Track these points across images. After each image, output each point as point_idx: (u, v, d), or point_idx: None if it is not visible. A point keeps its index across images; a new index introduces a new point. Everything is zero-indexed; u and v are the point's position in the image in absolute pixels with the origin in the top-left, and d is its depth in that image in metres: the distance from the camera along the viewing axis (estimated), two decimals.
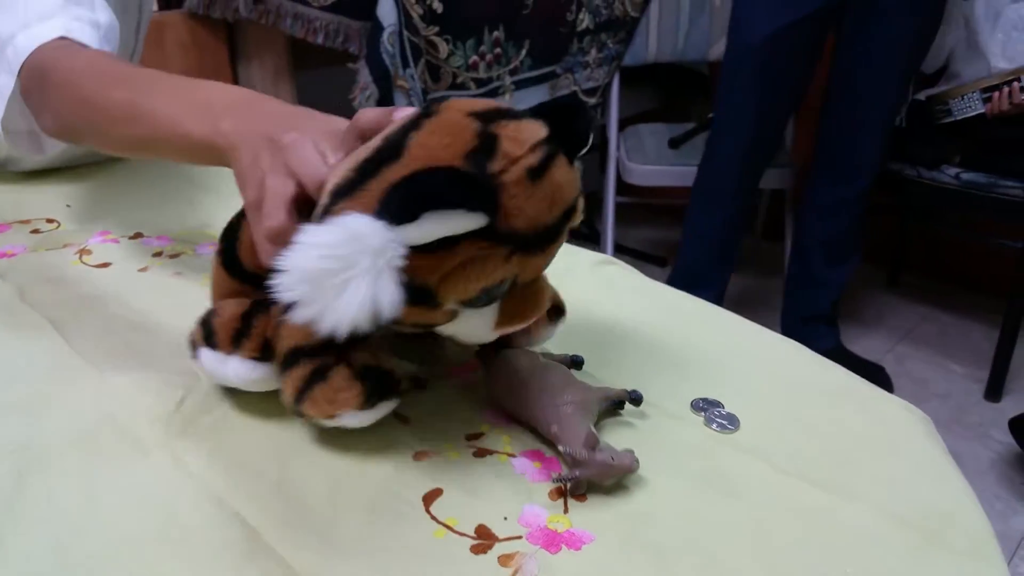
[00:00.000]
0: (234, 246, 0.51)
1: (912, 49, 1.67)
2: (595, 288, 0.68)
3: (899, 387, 1.88)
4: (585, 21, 1.85)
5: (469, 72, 1.57)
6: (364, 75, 1.36)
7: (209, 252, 0.73)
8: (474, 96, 1.61)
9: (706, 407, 0.52)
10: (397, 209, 0.36)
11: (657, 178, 2.02)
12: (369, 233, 0.36)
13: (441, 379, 0.55)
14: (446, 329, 0.45)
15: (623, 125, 2.18)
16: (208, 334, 0.49)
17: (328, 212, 0.40)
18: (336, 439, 0.48)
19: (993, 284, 2.22)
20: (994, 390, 1.85)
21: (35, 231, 0.77)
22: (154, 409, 0.51)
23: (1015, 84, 1.64)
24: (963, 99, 1.73)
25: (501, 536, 0.41)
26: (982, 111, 1.70)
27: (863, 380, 0.57)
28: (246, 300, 0.50)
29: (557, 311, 0.54)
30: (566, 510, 0.43)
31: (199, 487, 0.44)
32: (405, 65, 1.42)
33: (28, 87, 0.62)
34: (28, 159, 0.90)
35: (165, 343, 0.57)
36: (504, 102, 0.42)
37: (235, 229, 0.52)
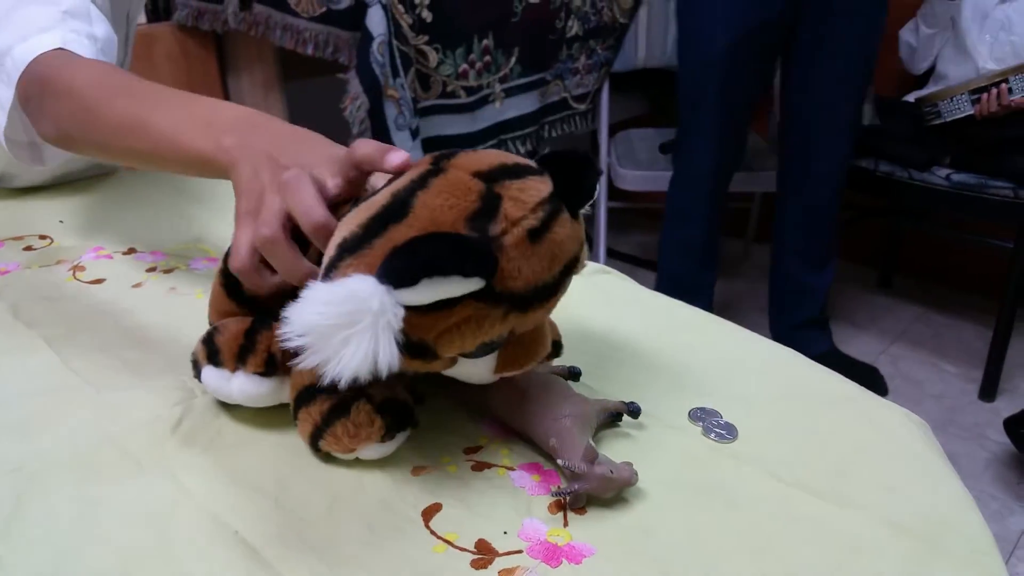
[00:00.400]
0: None
1: (863, 50, 1.68)
2: (590, 298, 0.68)
3: (894, 388, 1.88)
4: (574, 28, 1.85)
5: (459, 80, 1.57)
6: (354, 85, 1.36)
7: (203, 267, 0.73)
8: (464, 104, 1.61)
9: (704, 417, 0.52)
10: (397, 274, 0.37)
11: (648, 183, 2.02)
12: (370, 295, 0.37)
13: (439, 392, 0.55)
14: (447, 372, 0.45)
15: (613, 131, 2.19)
16: (212, 352, 0.49)
17: (335, 267, 0.41)
18: (333, 456, 0.48)
19: (985, 284, 2.23)
20: (988, 390, 1.86)
21: (28, 248, 0.77)
22: (151, 426, 0.50)
23: (1003, 86, 1.65)
24: (952, 101, 1.74)
25: (501, 551, 0.41)
26: (971, 112, 1.71)
27: (861, 387, 0.57)
28: (248, 318, 0.50)
29: (553, 347, 0.54)
30: (566, 523, 0.43)
31: (197, 504, 0.44)
32: (395, 75, 1.42)
33: (27, 95, 0.62)
34: (21, 175, 0.90)
35: (161, 359, 0.57)
36: (505, 157, 0.42)
37: None
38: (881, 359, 2.03)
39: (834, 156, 1.77)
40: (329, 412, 0.45)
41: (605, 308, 0.67)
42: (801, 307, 1.93)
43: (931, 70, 2.00)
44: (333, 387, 0.44)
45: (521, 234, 0.41)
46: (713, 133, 1.75)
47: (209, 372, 0.49)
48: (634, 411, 0.50)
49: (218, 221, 0.80)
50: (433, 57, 1.50)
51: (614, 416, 0.51)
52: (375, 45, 1.37)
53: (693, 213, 1.85)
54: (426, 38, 1.47)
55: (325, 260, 0.42)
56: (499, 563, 0.40)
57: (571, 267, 0.44)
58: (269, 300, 0.49)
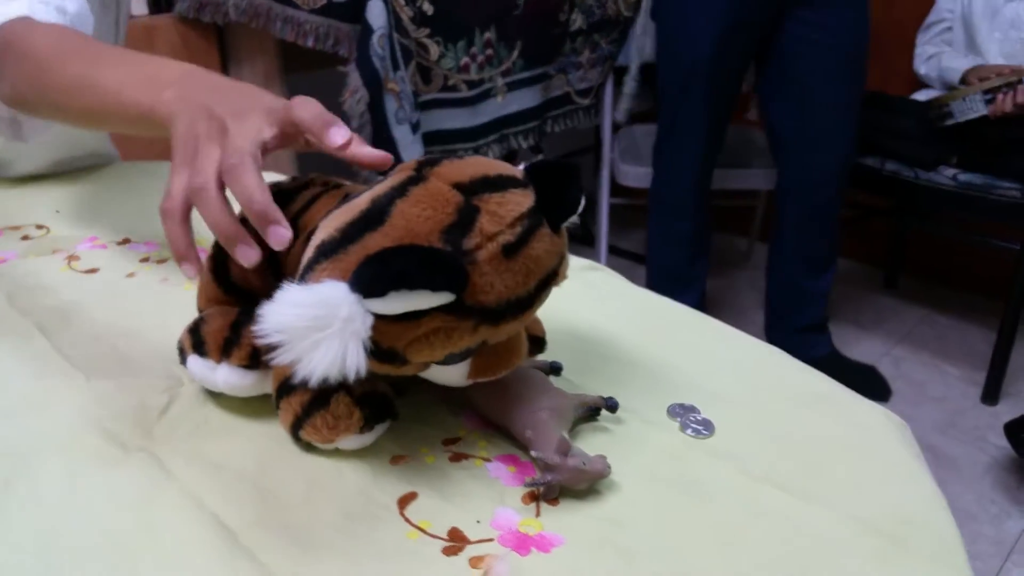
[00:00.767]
0: (225, 257, 0.52)
1: (853, 40, 1.68)
2: (579, 293, 0.69)
3: (896, 390, 1.88)
4: (578, 21, 1.86)
5: (460, 74, 1.58)
6: (354, 78, 1.37)
7: None
8: (465, 98, 1.62)
9: (682, 412, 0.53)
10: (366, 284, 0.38)
11: (649, 180, 2.03)
12: (340, 302, 0.38)
13: (420, 384, 0.55)
14: (421, 374, 0.46)
15: (617, 126, 2.19)
16: (198, 342, 0.50)
17: (311, 270, 0.42)
18: (314, 445, 0.49)
19: (991, 286, 2.22)
20: (991, 393, 1.86)
21: (25, 237, 0.78)
22: (138, 412, 0.51)
23: (1019, 87, 1.64)
24: (965, 101, 1.73)
25: (473, 538, 0.42)
26: (984, 113, 1.70)
27: (843, 386, 0.58)
28: (233, 309, 0.51)
29: (536, 344, 0.55)
30: (538, 514, 0.44)
31: (179, 488, 0.45)
32: (395, 68, 1.42)
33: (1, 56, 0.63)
34: (17, 163, 0.91)
35: (150, 348, 0.58)
36: (489, 167, 0.42)
37: None
38: (884, 361, 2.03)
39: (834, 155, 1.76)
40: (309, 403, 0.46)
41: (593, 304, 0.68)
42: (801, 312, 1.93)
43: None
44: None
45: (496, 249, 0.41)
46: (699, 128, 1.76)
47: (194, 361, 0.51)
48: (612, 406, 0.51)
49: None
50: (434, 50, 1.51)
51: (592, 410, 0.51)
52: (375, 38, 1.37)
53: (681, 207, 1.87)
54: (427, 31, 1.48)
55: (303, 261, 0.43)
56: (470, 550, 0.41)
57: (548, 281, 0.44)
58: (256, 289, 0.50)
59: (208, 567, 0.40)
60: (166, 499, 0.44)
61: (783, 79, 1.72)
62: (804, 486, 0.47)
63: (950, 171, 1.81)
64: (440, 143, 1.64)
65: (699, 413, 0.53)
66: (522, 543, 0.42)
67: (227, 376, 0.50)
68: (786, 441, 0.51)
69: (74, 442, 0.49)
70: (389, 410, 0.49)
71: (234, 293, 0.52)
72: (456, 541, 0.42)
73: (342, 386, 0.46)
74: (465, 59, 1.59)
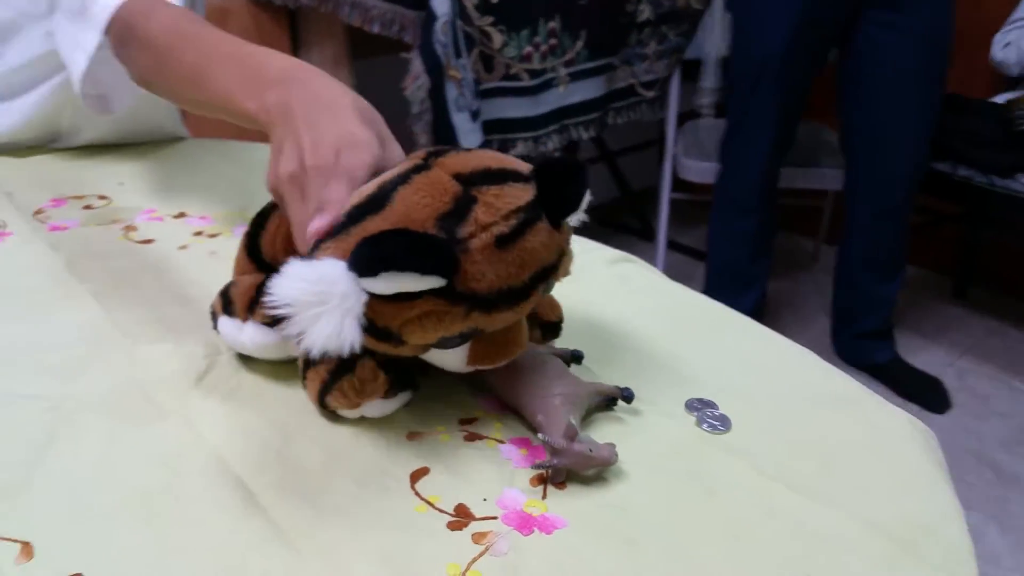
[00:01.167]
0: (259, 233, 0.55)
1: (935, 39, 1.62)
2: (609, 285, 0.69)
3: (958, 403, 1.82)
4: (645, 12, 1.84)
5: (522, 63, 1.58)
6: (416, 65, 1.39)
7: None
8: (527, 87, 1.63)
9: (700, 407, 0.53)
10: (361, 263, 0.41)
11: (712, 175, 2.00)
12: (338, 279, 0.41)
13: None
14: (423, 358, 0.48)
15: (682, 120, 2.17)
16: (227, 303, 0.54)
17: (317, 247, 0.45)
18: (338, 416, 0.51)
19: None
20: None
21: (88, 207, 0.82)
22: (176, 377, 0.54)
23: None
24: None
25: (478, 515, 0.43)
26: None
27: (868, 390, 0.57)
28: (260, 275, 0.54)
29: (552, 329, 0.56)
30: (544, 496, 0.45)
31: (208, 450, 0.48)
32: (457, 55, 1.44)
33: (118, 41, 0.70)
34: (85, 131, 0.96)
35: (194, 317, 0.61)
36: (493, 160, 0.44)
37: (265, 217, 0.56)
38: (948, 372, 1.96)
39: (908, 157, 1.71)
40: (335, 369, 0.48)
41: (623, 296, 0.68)
42: (866, 317, 1.88)
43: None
44: None
45: (489, 239, 0.42)
46: (768, 124, 1.73)
47: (224, 322, 0.54)
48: (627, 397, 0.52)
49: (264, 192, 0.84)
50: (498, 39, 1.52)
51: (609, 400, 0.52)
52: (438, 25, 1.39)
53: (745, 204, 1.84)
54: (491, 19, 1.49)
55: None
56: (474, 527, 0.43)
57: (545, 275, 0.45)
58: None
59: (226, 524, 0.42)
60: (194, 460, 0.47)
61: (860, 77, 1.67)
62: (816, 487, 0.47)
63: None
64: (500, 132, 1.65)
65: (717, 409, 0.53)
66: (525, 523, 0.43)
67: (252, 334, 0.53)
68: (803, 441, 0.51)
69: (115, 403, 0.52)
70: (411, 379, 0.51)
71: (264, 268, 0.55)
72: (462, 517, 0.43)
73: (366, 352, 0.47)
74: (528, 48, 1.59)
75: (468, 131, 1.53)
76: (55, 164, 0.94)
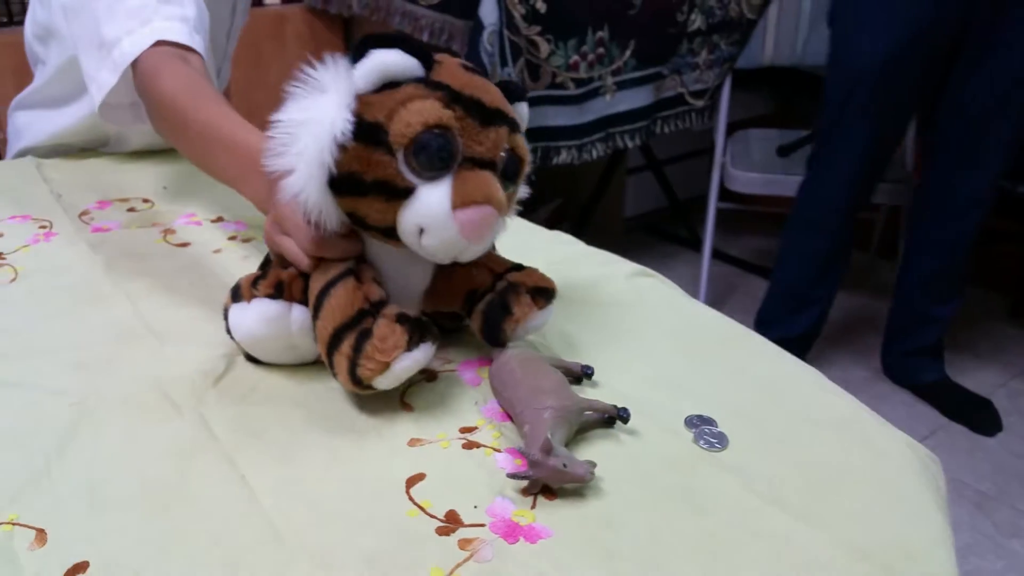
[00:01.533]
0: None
1: None
2: (625, 298, 0.70)
3: (1009, 425, 1.76)
4: (697, 22, 1.83)
5: (569, 72, 1.59)
6: None
7: None
8: (573, 96, 1.63)
9: (698, 424, 0.54)
10: (357, 51, 0.50)
11: (760, 186, 1.97)
12: (341, 72, 0.51)
13: (451, 373, 0.59)
14: (414, 242, 0.51)
15: (733, 129, 2.15)
16: (235, 292, 0.57)
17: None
18: (343, 421, 0.53)
19: None
20: None
21: (131, 209, 0.86)
22: (196, 377, 0.57)
23: None
24: None
25: (467, 522, 0.45)
26: None
27: (872, 412, 0.56)
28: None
29: (546, 294, 0.58)
30: (534, 506, 0.46)
31: (218, 449, 0.50)
32: (503, 64, 1.46)
33: (140, 89, 0.74)
34: (133, 139, 1.01)
35: (221, 320, 0.63)
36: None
37: None
38: (999, 393, 1.90)
39: (987, 176, 1.64)
40: (356, 341, 0.50)
41: (636, 310, 0.69)
42: (917, 335, 1.83)
43: None
44: (353, 321, 0.51)
45: (455, 65, 0.53)
46: (858, 143, 1.63)
47: (233, 311, 0.57)
48: (624, 417, 0.52)
49: None
50: (544, 48, 1.53)
51: (608, 419, 0.53)
52: (485, 35, 1.41)
53: (823, 224, 1.75)
54: (538, 28, 1.50)
55: None
56: (461, 533, 0.44)
57: (502, 117, 0.53)
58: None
59: (227, 520, 0.45)
60: (204, 458, 0.49)
61: (956, 85, 1.59)
62: (806, 508, 0.47)
63: None
64: (544, 139, 1.66)
65: (716, 426, 0.53)
66: (511, 531, 0.44)
67: (257, 308, 0.55)
68: (798, 462, 0.51)
69: (136, 400, 0.55)
70: (427, 328, 0.52)
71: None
72: (451, 523, 0.45)
73: (376, 314, 0.51)
74: (575, 57, 1.60)
75: None
76: (104, 167, 0.99)
